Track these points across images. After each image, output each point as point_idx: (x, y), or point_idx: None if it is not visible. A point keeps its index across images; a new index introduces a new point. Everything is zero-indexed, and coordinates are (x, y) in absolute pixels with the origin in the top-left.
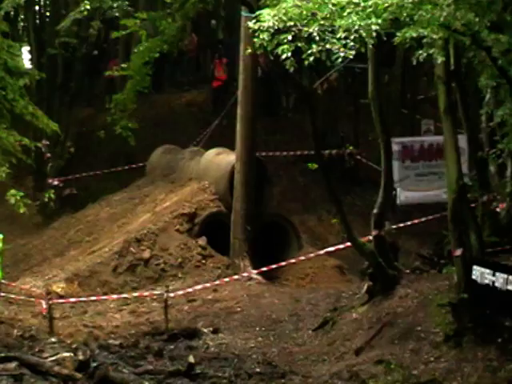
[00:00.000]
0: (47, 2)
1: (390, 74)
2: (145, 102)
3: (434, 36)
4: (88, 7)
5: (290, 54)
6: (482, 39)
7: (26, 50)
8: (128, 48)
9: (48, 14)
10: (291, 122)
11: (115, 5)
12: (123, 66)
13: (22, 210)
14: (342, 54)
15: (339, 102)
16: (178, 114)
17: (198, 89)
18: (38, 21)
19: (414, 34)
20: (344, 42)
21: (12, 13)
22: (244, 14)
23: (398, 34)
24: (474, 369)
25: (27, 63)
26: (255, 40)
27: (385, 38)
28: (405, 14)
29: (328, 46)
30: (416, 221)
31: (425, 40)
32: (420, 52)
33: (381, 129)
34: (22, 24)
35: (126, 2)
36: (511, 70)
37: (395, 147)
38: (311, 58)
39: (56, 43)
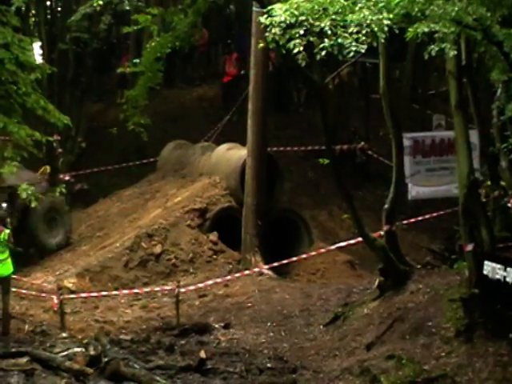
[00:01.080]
0: None
1: (401, 69)
2: (156, 97)
3: (446, 30)
4: (100, 2)
5: (301, 49)
6: (494, 34)
7: (37, 46)
8: (139, 43)
9: (59, 9)
10: (302, 117)
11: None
12: (135, 61)
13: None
14: (353, 49)
15: (350, 98)
16: (189, 109)
17: (209, 84)
18: (49, 16)
19: (426, 29)
20: (356, 36)
21: (23, 8)
22: (255, 9)
23: (410, 29)
24: (485, 364)
25: (38, 58)
26: (267, 34)
27: (397, 31)
28: (416, 9)
29: (340, 40)
30: (427, 216)
31: (436, 35)
32: (432, 47)
33: (392, 124)
34: (33, 19)
35: None
36: None
37: (406, 142)
38: (323, 53)
39: (67, 38)
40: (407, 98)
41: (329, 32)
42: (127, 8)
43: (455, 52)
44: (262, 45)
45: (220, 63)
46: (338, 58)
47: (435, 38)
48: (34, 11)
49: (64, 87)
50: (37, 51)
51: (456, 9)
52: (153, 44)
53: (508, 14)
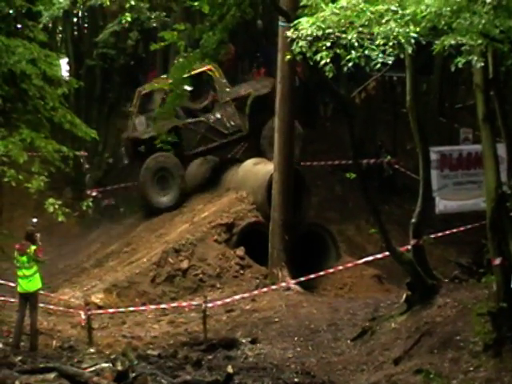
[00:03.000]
0: (85, 14)
1: (428, 82)
2: None
3: (473, 43)
4: (129, 19)
5: (328, 60)
6: None
7: (64, 62)
8: (166, 58)
9: (86, 25)
10: (329, 131)
11: (153, 16)
12: (162, 76)
13: (60, 218)
14: (380, 60)
15: (377, 111)
16: None
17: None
18: (76, 32)
19: (453, 42)
20: (382, 48)
21: (50, 24)
22: (281, 23)
23: (437, 42)
24: None
25: (65, 75)
26: (294, 47)
27: (424, 43)
28: (443, 22)
29: (366, 52)
30: (455, 230)
31: (463, 47)
32: (459, 59)
33: (419, 138)
34: (60, 35)
35: (164, 13)
36: None
37: (433, 156)
38: (350, 64)
39: (94, 54)
40: (434, 111)
41: (355, 44)
42: (154, 25)
43: (482, 64)
44: (288, 57)
45: (247, 78)
46: (364, 71)
47: (462, 51)
48: (60, 28)
49: (91, 103)
50: (64, 67)
51: (483, 21)
52: (180, 60)
53: None
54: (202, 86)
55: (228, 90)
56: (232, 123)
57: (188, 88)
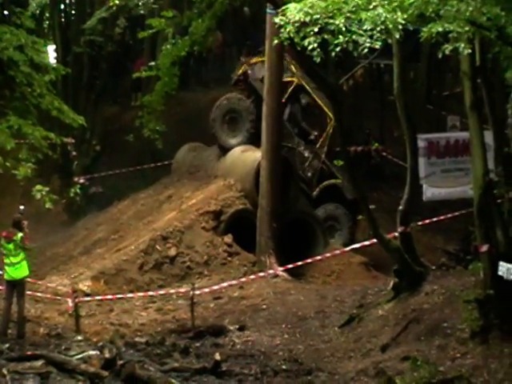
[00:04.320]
0: (72, 1)
1: (415, 70)
2: (170, 100)
3: (460, 30)
4: (117, 1)
5: (316, 45)
6: (508, 34)
7: (51, 49)
8: (154, 46)
9: (73, 12)
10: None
11: (140, 3)
12: (150, 64)
13: (47, 205)
14: (367, 45)
15: (365, 99)
16: (204, 111)
17: (224, 86)
18: (63, 19)
19: (440, 29)
20: (370, 33)
21: (37, 11)
22: (269, 10)
23: (424, 29)
24: (501, 365)
25: (53, 61)
26: (281, 31)
27: (411, 29)
28: (430, 10)
29: (354, 37)
30: (442, 217)
31: (451, 35)
32: (446, 46)
33: (406, 125)
34: (47, 22)
35: (152, 0)
36: None
37: (421, 143)
38: (337, 49)
39: (81, 41)
40: (422, 99)
41: (343, 29)
42: (142, 12)
43: (469, 51)
44: (276, 41)
45: (235, 65)
46: (352, 59)
47: (449, 39)
48: (48, 14)
49: (79, 90)
50: (51, 54)
51: (470, 9)
52: (168, 47)
53: None
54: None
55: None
56: None
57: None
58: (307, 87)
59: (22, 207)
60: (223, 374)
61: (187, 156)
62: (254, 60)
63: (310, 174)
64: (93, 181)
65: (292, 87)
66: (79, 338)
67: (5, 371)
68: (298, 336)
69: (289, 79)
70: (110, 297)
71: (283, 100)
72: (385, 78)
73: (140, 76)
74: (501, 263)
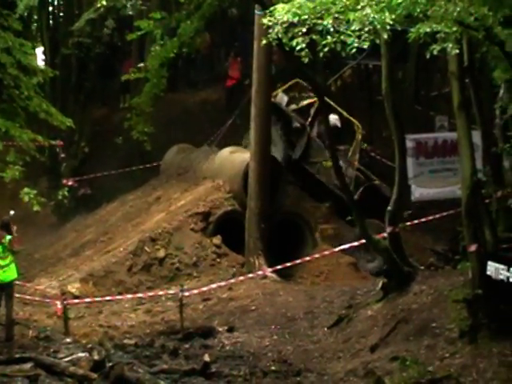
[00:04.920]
0: (61, 3)
1: (403, 70)
2: (159, 101)
3: (448, 30)
4: (104, 2)
5: (304, 46)
6: (495, 34)
7: (39, 51)
8: (142, 47)
9: (61, 14)
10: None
11: (128, 4)
12: (139, 65)
13: (36, 208)
14: (355, 45)
15: (353, 99)
16: (192, 112)
17: (212, 87)
18: (51, 21)
19: (428, 30)
20: (358, 33)
21: (25, 13)
22: (257, 12)
23: (412, 29)
24: (489, 364)
25: (41, 63)
26: (270, 32)
27: (399, 29)
28: (418, 10)
29: (342, 37)
30: (431, 217)
31: (439, 35)
32: (434, 46)
33: (394, 125)
34: (35, 24)
35: (140, 1)
36: None
37: (409, 144)
38: (326, 49)
39: (70, 43)
40: (410, 99)
41: (331, 30)
42: (130, 13)
43: (457, 51)
44: (264, 41)
45: (223, 66)
46: (340, 59)
47: (437, 39)
48: (36, 16)
49: (67, 92)
50: (39, 56)
51: (458, 9)
52: (157, 48)
53: (510, 14)
54: None
55: None
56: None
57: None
58: (331, 103)
59: (12, 212)
60: (212, 376)
61: (176, 157)
62: (275, 92)
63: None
64: (81, 183)
65: (315, 109)
66: (68, 340)
67: None
68: (286, 337)
69: (310, 101)
70: (98, 299)
71: (308, 122)
72: (373, 79)
73: (128, 78)
74: (489, 263)
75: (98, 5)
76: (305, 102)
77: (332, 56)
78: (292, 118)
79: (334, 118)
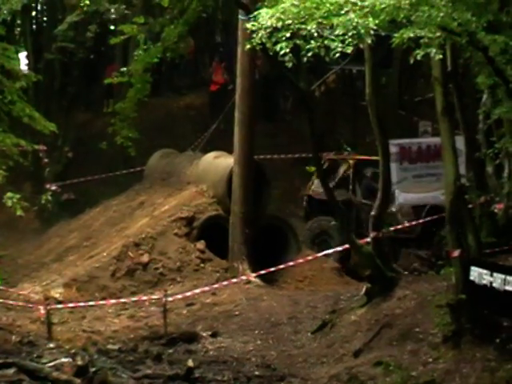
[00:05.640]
0: (44, 8)
1: (387, 75)
2: (142, 106)
3: (431, 36)
4: (87, 2)
5: (288, 51)
6: (479, 40)
7: (23, 56)
8: (126, 52)
9: (45, 19)
10: (289, 125)
11: (112, 9)
12: (122, 70)
13: (19, 212)
14: (339, 50)
15: (337, 104)
16: (176, 117)
17: (196, 92)
18: (34, 26)
19: (412, 35)
20: (342, 38)
21: (9, 18)
22: (241, 17)
23: (396, 34)
24: (473, 369)
25: (24, 68)
26: (253, 36)
27: (383, 34)
28: (402, 15)
29: (326, 42)
30: (414, 222)
31: (422, 40)
32: (418, 51)
33: (378, 131)
34: (18, 29)
35: (123, 6)
36: (508, 70)
37: (393, 149)
38: (309, 54)
39: (53, 48)
40: (394, 104)
41: (315, 34)
42: (114, 17)
43: (441, 56)
44: (248, 46)
45: (207, 71)
46: (324, 65)
47: (421, 44)
48: (19, 21)
49: (51, 97)
50: (23, 61)
51: (441, 14)
52: (140, 52)
53: (493, 19)
54: None
55: None
56: None
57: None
58: (365, 158)
59: None
60: (196, 381)
61: (159, 162)
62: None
63: None
64: (65, 188)
65: (352, 169)
66: (51, 345)
67: None
68: (270, 342)
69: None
70: (82, 304)
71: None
72: (357, 84)
73: (112, 82)
74: (472, 268)
75: (81, 4)
76: (341, 172)
77: (316, 61)
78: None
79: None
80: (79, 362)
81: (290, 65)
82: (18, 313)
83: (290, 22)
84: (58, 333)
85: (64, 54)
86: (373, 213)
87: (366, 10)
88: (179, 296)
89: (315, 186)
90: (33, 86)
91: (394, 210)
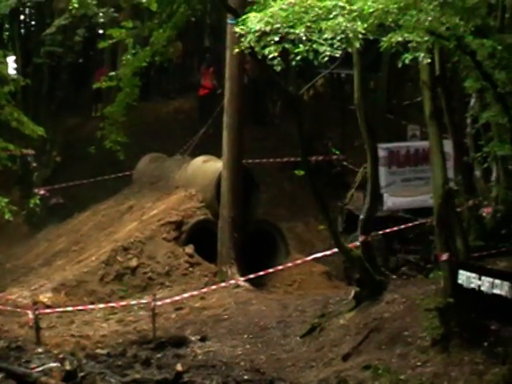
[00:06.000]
0: (32, 12)
1: (375, 79)
2: (131, 110)
3: (419, 40)
4: (76, 5)
5: (276, 54)
6: (467, 44)
7: (11, 60)
8: (114, 56)
9: (33, 23)
10: (278, 129)
11: (101, 13)
12: (111, 74)
13: (7, 217)
14: (328, 53)
15: (326, 108)
16: (165, 122)
17: (185, 97)
18: (23, 30)
19: (400, 39)
20: (330, 42)
21: None
22: (230, 21)
23: (384, 38)
24: (461, 373)
25: (12, 72)
26: (242, 40)
27: (371, 38)
28: (390, 19)
29: (315, 46)
30: (403, 226)
31: (410, 44)
32: (406, 55)
33: (367, 134)
34: (7, 33)
35: (112, 9)
36: (495, 74)
37: (381, 153)
38: (298, 58)
39: (41, 52)
40: (382, 108)
41: (304, 38)
42: (102, 20)
43: (429, 60)
44: (237, 50)
45: (196, 76)
46: (313, 69)
47: (409, 48)
48: (7, 25)
49: (39, 101)
50: (11, 65)
51: (429, 19)
52: (129, 57)
53: (481, 23)
54: None
55: None
56: None
57: None
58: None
59: None
60: None
61: (148, 166)
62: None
63: None
64: (53, 192)
65: None
66: (40, 350)
67: None
68: (259, 346)
69: None
70: (70, 308)
71: None
72: (346, 88)
73: (100, 87)
74: (460, 271)
75: (69, 7)
76: None
77: (305, 65)
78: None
79: None
80: (68, 367)
81: (278, 69)
82: (6, 317)
83: (278, 25)
84: (47, 337)
85: (52, 58)
86: (361, 216)
87: (355, 14)
88: (168, 300)
89: (354, 200)
90: (21, 90)
91: None
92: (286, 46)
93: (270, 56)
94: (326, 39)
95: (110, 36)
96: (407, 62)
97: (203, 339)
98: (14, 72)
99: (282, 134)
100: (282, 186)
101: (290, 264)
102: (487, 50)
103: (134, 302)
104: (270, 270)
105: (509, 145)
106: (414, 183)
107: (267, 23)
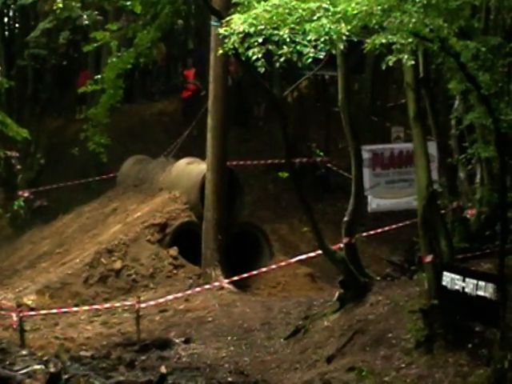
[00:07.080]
0: (16, 14)
1: (359, 81)
2: (115, 112)
3: (403, 41)
4: (60, 5)
5: (260, 56)
6: (451, 46)
7: None
8: (98, 58)
9: (17, 25)
10: (262, 131)
11: (85, 15)
12: (96, 77)
13: None
14: (311, 55)
15: (310, 110)
16: (149, 124)
17: (169, 99)
18: (7, 32)
19: (384, 41)
20: (314, 43)
21: None
22: (213, 23)
23: (368, 40)
24: (445, 374)
25: None
26: (226, 42)
27: (355, 39)
28: (374, 21)
29: (298, 47)
30: (387, 228)
31: (394, 46)
32: (390, 57)
33: (351, 136)
34: None
35: (96, 12)
36: (479, 75)
37: (365, 155)
38: (282, 59)
39: (25, 54)
40: (366, 110)
41: (287, 40)
42: (86, 23)
43: (413, 62)
44: (221, 51)
45: (180, 78)
46: (297, 71)
47: (393, 50)
48: None
49: (23, 104)
50: None
51: (413, 20)
52: (114, 60)
53: (464, 25)
54: None
55: None
56: None
57: None
58: None
59: None
60: None
61: (132, 169)
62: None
63: None
64: (37, 194)
65: None
66: (24, 352)
67: None
68: (243, 348)
69: None
70: (54, 311)
71: None
72: (330, 90)
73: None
74: (445, 273)
75: (54, 7)
76: None
77: (288, 67)
78: None
79: None
80: (52, 369)
81: (262, 70)
82: None
83: (262, 27)
84: (31, 340)
85: (36, 60)
86: (345, 218)
87: (339, 15)
88: (152, 302)
89: None
90: (5, 93)
91: None
92: (270, 47)
93: (254, 57)
94: (309, 41)
95: (94, 39)
96: (391, 63)
97: (187, 341)
98: None
99: (266, 136)
100: (266, 187)
101: (274, 266)
102: (471, 52)
103: (118, 304)
104: (254, 272)
105: (493, 146)
106: (398, 185)
107: (251, 25)
